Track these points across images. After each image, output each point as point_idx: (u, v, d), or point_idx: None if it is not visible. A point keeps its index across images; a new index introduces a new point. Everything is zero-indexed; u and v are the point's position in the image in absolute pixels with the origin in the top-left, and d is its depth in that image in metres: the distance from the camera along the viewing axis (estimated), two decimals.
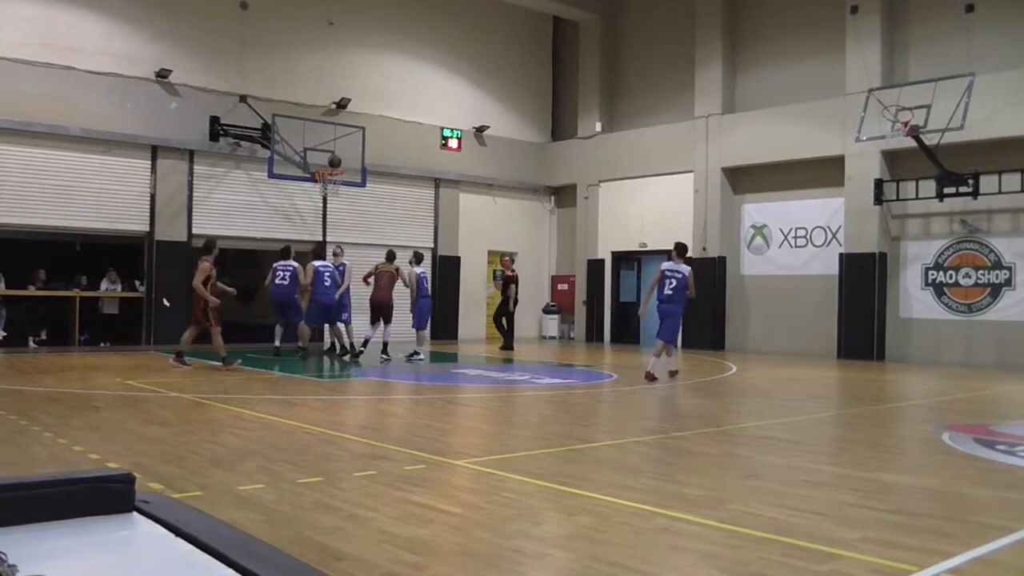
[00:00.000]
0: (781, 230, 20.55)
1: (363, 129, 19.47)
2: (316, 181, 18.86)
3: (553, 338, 24.40)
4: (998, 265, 17.44)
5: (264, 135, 18.84)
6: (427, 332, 17.33)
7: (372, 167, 20.15)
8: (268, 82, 19.79)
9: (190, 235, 18.80)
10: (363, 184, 19.65)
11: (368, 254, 21.45)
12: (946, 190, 17.02)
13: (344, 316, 16.62)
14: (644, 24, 23.63)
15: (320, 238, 20.73)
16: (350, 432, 7.86)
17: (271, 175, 18.68)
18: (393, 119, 21.82)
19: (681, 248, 14.27)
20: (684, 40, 22.25)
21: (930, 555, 4.23)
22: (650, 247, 22.69)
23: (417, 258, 17.20)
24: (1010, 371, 15.95)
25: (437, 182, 22.92)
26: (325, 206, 20.65)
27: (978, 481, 6.25)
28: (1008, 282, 17.32)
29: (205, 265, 13.55)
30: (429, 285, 17.37)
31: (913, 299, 18.55)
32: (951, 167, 16.81)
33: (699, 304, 21.35)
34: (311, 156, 18.59)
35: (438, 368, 15.87)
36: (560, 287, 25.12)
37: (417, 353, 16.58)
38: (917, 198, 17.90)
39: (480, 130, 23.70)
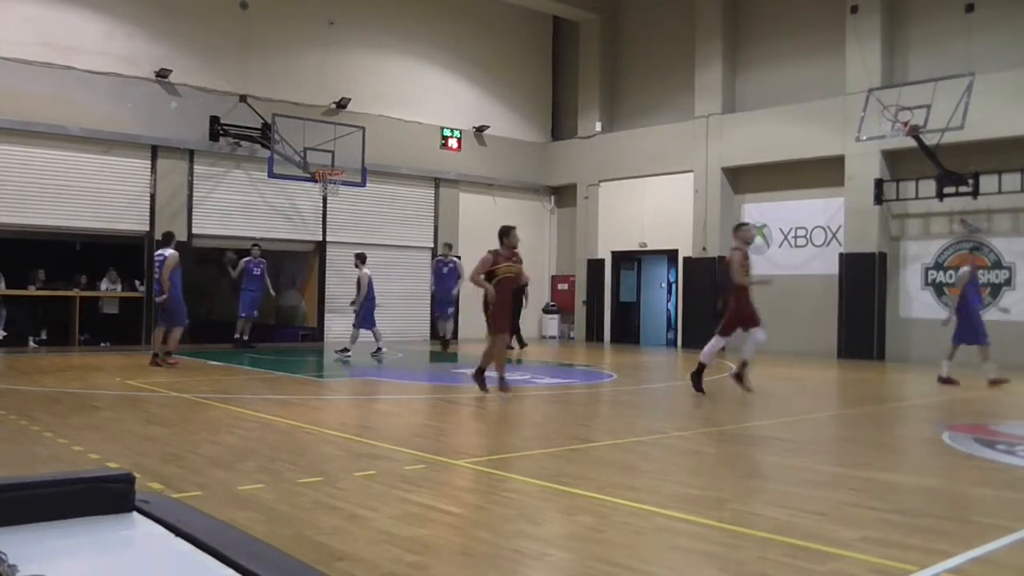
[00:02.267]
0: (781, 230, 20.54)
1: (363, 129, 19.47)
2: (316, 181, 18.86)
3: (553, 338, 24.39)
4: (998, 265, 17.43)
5: (264, 135, 18.84)
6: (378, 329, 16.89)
7: (372, 167, 20.15)
8: (268, 82, 19.79)
9: (190, 235, 18.81)
10: (363, 184, 19.65)
11: (368, 253, 21.48)
12: (946, 190, 17.02)
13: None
14: (644, 24, 23.63)
15: (320, 238, 20.74)
16: (350, 432, 7.85)
17: (271, 175, 18.68)
18: (393, 119, 21.82)
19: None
20: (684, 40, 22.25)
21: (930, 555, 4.23)
22: (650, 247, 22.71)
23: (362, 259, 16.99)
24: (1010, 371, 15.92)
25: (437, 182, 22.92)
26: (325, 206, 20.65)
27: (978, 481, 6.25)
28: (1008, 282, 17.31)
29: (487, 256, 11.09)
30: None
31: (913, 299, 18.54)
32: (951, 167, 16.81)
33: (700, 304, 21.47)
34: (311, 156, 18.60)
35: (438, 368, 15.88)
36: (560, 287, 25.11)
37: (380, 348, 16.59)
38: (917, 198, 17.90)
39: (480, 130, 23.70)
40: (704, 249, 21.30)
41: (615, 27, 24.23)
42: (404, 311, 22.18)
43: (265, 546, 1.54)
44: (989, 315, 17.50)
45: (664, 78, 22.97)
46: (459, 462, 6.57)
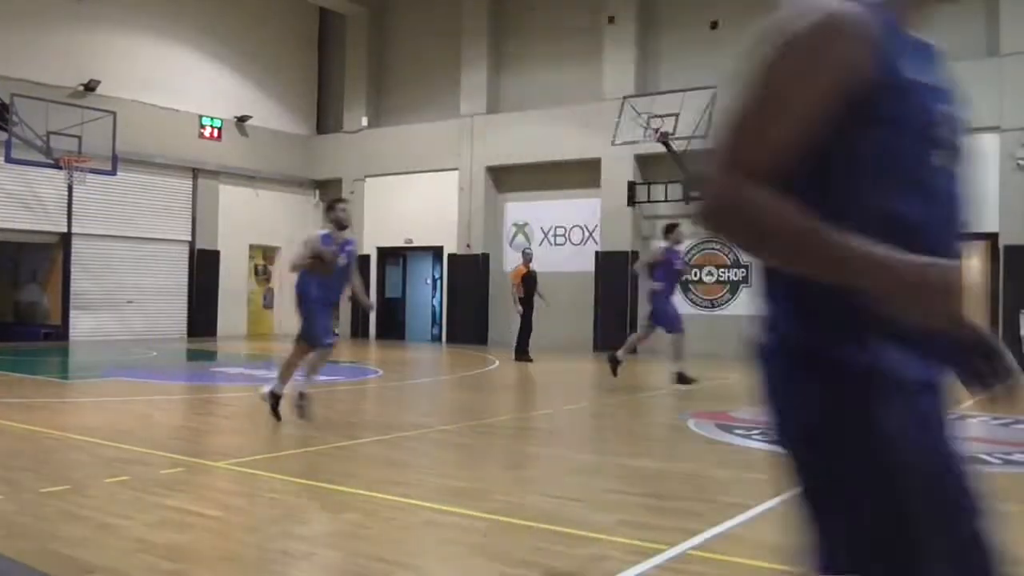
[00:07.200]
0: (542, 228, 21.23)
1: (114, 114, 18.32)
2: (61, 168, 17.58)
3: None
4: (737, 264, 18.79)
5: (1, 116, 17.32)
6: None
7: (124, 155, 18.99)
8: (5, 57, 18.17)
9: None
10: (114, 172, 18.51)
11: (115, 247, 20.27)
12: (692, 193, 18.19)
13: None
14: (412, 22, 23.66)
15: (65, 229, 19.33)
16: (99, 436, 7.37)
17: (8, 159, 17.22)
18: (147, 104, 20.66)
19: None
20: (451, 40, 22.47)
21: (682, 533, 4.51)
22: (416, 243, 22.80)
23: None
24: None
25: (195, 172, 21.94)
26: (71, 195, 19.22)
27: (721, 464, 6.72)
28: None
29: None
30: None
31: None
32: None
33: (465, 300, 21.80)
34: (55, 141, 17.30)
35: (196, 367, 15.23)
36: None
37: None
38: (667, 200, 18.99)
39: (242, 120, 22.92)
40: (468, 246, 21.63)
41: (383, 23, 24.12)
42: (157, 306, 21.12)
43: (6, 562, 1.42)
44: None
45: (431, 76, 23.11)
46: (219, 464, 6.34)
